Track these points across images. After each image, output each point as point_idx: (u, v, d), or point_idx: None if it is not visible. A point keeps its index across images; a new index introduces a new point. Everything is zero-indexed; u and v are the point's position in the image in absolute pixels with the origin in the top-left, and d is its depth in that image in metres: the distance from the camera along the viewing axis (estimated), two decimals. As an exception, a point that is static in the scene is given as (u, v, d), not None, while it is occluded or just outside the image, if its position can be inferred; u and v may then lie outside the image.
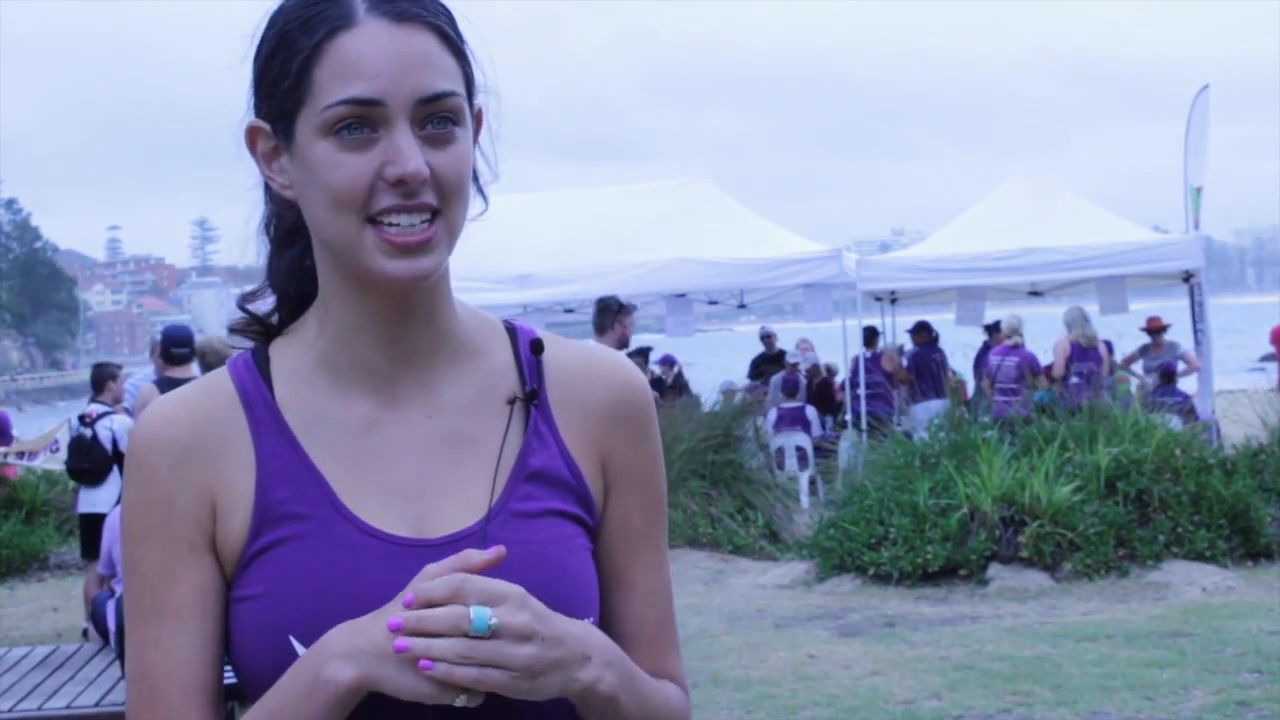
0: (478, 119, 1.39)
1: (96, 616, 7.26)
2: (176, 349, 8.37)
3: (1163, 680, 7.08)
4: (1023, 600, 9.45)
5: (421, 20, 1.31)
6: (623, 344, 8.61)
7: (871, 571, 10.06)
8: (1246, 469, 10.85)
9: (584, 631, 1.30)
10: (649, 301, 16.46)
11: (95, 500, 9.23)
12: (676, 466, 11.58)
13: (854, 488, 11.35)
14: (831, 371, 18.12)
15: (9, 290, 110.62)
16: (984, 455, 10.41)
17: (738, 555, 11.54)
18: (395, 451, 1.38)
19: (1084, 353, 13.36)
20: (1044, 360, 14.20)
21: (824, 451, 14.67)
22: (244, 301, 1.46)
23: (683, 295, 14.78)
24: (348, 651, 1.22)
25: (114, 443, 9.24)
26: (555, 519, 1.38)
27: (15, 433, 15.89)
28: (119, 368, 10.26)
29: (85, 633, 9.02)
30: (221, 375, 1.41)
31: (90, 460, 9.25)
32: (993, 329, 15.61)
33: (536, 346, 1.44)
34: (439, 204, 1.30)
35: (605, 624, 1.43)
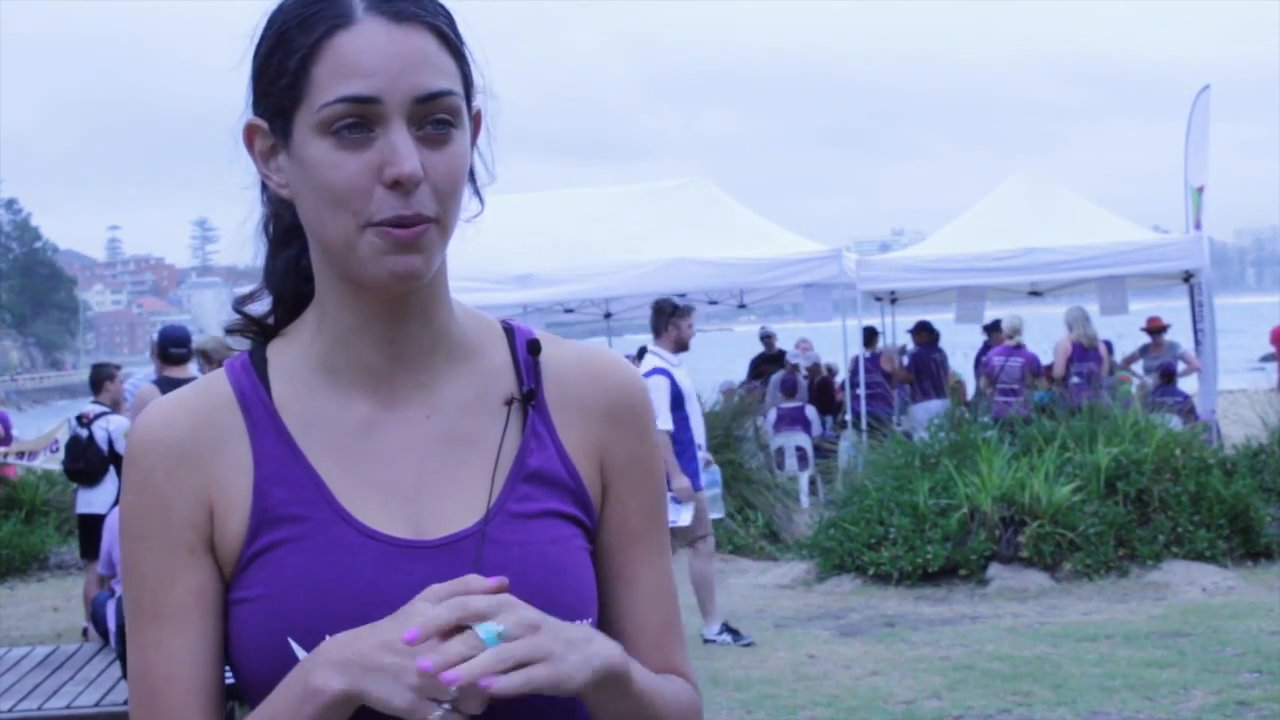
0: (476, 121, 1.38)
1: (96, 616, 7.25)
2: (174, 349, 8.37)
3: (1163, 680, 7.08)
4: (1023, 600, 9.45)
5: (420, 20, 1.31)
6: (680, 346, 8.54)
7: (871, 571, 10.07)
8: (1246, 469, 10.86)
9: (579, 626, 1.31)
10: (649, 301, 16.43)
11: (92, 501, 9.23)
12: (676, 466, 11.57)
13: (854, 488, 11.36)
14: (832, 371, 18.12)
15: (9, 290, 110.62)
16: (984, 455, 10.42)
17: (738, 555, 11.55)
18: (393, 452, 1.37)
19: (1085, 353, 13.36)
20: (1044, 360, 14.21)
21: (824, 451, 14.67)
22: (241, 303, 1.46)
23: (683, 295, 14.76)
24: (337, 660, 1.22)
25: (110, 443, 9.24)
26: (553, 519, 1.38)
27: (15, 433, 15.90)
28: (117, 368, 10.25)
29: (85, 632, 9.02)
30: (219, 377, 1.41)
31: (86, 461, 9.25)
32: (991, 329, 15.61)
33: (534, 347, 1.44)
34: (434, 209, 1.29)
35: (608, 624, 1.43)
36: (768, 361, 18.17)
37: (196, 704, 1.34)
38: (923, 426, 13.41)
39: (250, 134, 1.37)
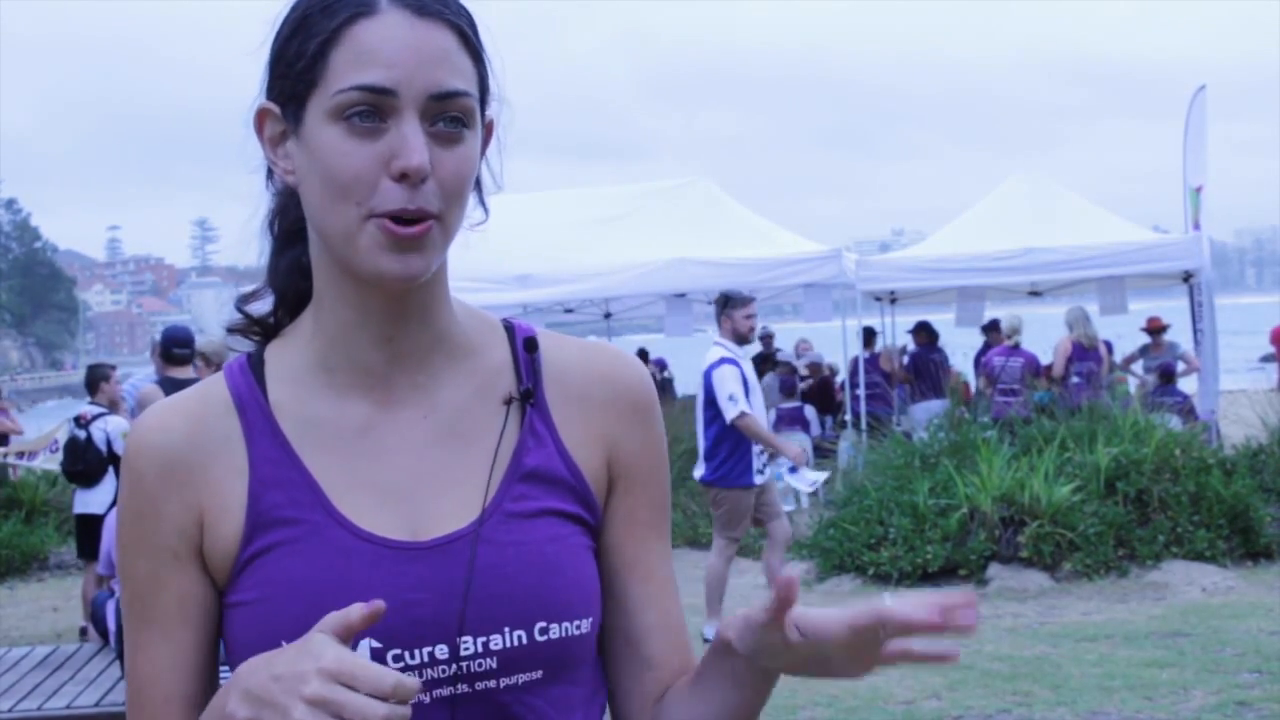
0: (488, 129, 1.38)
1: (96, 616, 7.26)
2: (177, 349, 8.37)
3: (1163, 680, 7.08)
4: (1023, 600, 9.45)
5: (443, 18, 1.31)
6: (739, 338, 8.50)
7: (871, 571, 10.06)
8: (1246, 469, 10.86)
9: None
10: (649, 301, 16.47)
11: (90, 501, 9.23)
12: (676, 466, 11.57)
13: (854, 488, 11.35)
14: (833, 371, 18.14)
15: (9, 290, 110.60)
16: (984, 455, 10.42)
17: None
18: (390, 452, 1.37)
19: (1085, 353, 13.36)
20: (1044, 360, 14.21)
21: (824, 451, 14.67)
22: (243, 302, 1.46)
23: (682, 295, 14.78)
24: (244, 690, 1.19)
25: (109, 444, 9.24)
26: (552, 518, 1.38)
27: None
28: (112, 369, 10.25)
29: (84, 632, 9.02)
30: (217, 380, 1.41)
31: (85, 462, 9.25)
32: (990, 328, 15.61)
33: (530, 344, 1.43)
34: (438, 206, 1.29)
35: (623, 617, 1.42)
36: (764, 361, 18.18)
37: (174, 711, 1.35)
38: (922, 426, 13.41)
39: (261, 118, 1.36)
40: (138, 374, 12.02)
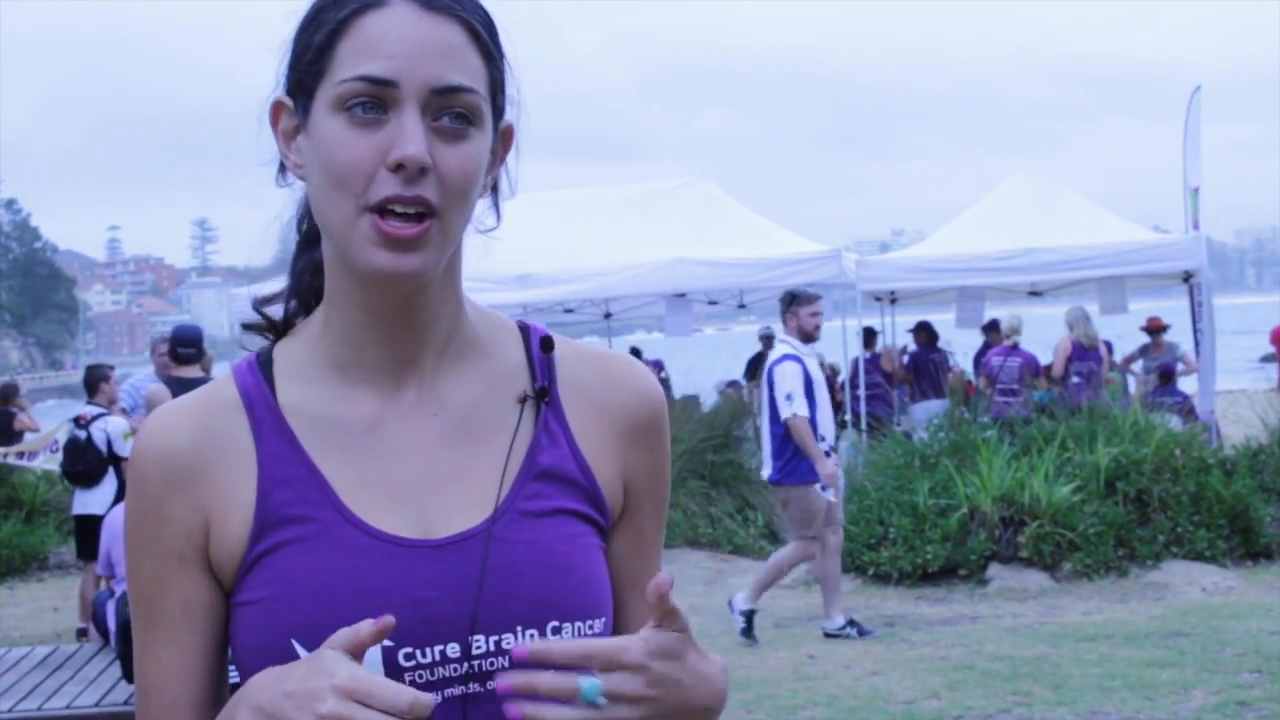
0: (507, 136, 1.38)
1: (97, 616, 7.26)
2: (183, 349, 8.37)
3: (1163, 680, 7.08)
4: (1023, 600, 9.45)
5: (453, 13, 1.30)
6: (804, 336, 8.47)
7: (871, 571, 10.06)
8: (1246, 469, 10.86)
9: (711, 681, 1.29)
10: (649, 301, 16.46)
11: (89, 502, 9.24)
12: (676, 466, 11.58)
13: (854, 488, 11.34)
14: (835, 371, 18.15)
15: (9, 290, 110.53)
16: (984, 455, 10.42)
17: (738, 555, 11.54)
18: (400, 450, 1.36)
19: (1085, 352, 13.36)
20: (1043, 360, 14.21)
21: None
22: (261, 304, 1.45)
23: (682, 295, 14.77)
24: (254, 705, 1.20)
25: (109, 444, 9.25)
26: (564, 518, 1.37)
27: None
28: (111, 369, 10.27)
29: (83, 633, 9.02)
30: (226, 380, 1.40)
31: (85, 462, 9.27)
32: (990, 328, 15.61)
33: (546, 344, 1.43)
34: (438, 201, 1.28)
35: (623, 626, 1.42)
36: (763, 361, 18.19)
37: (184, 713, 1.34)
38: (922, 426, 13.41)
39: (275, 112, 1.36)
40: (137, 374, 12.03)
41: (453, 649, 1.30)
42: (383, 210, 1.27)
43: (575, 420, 1.41)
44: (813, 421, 8.27)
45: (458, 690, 1.31)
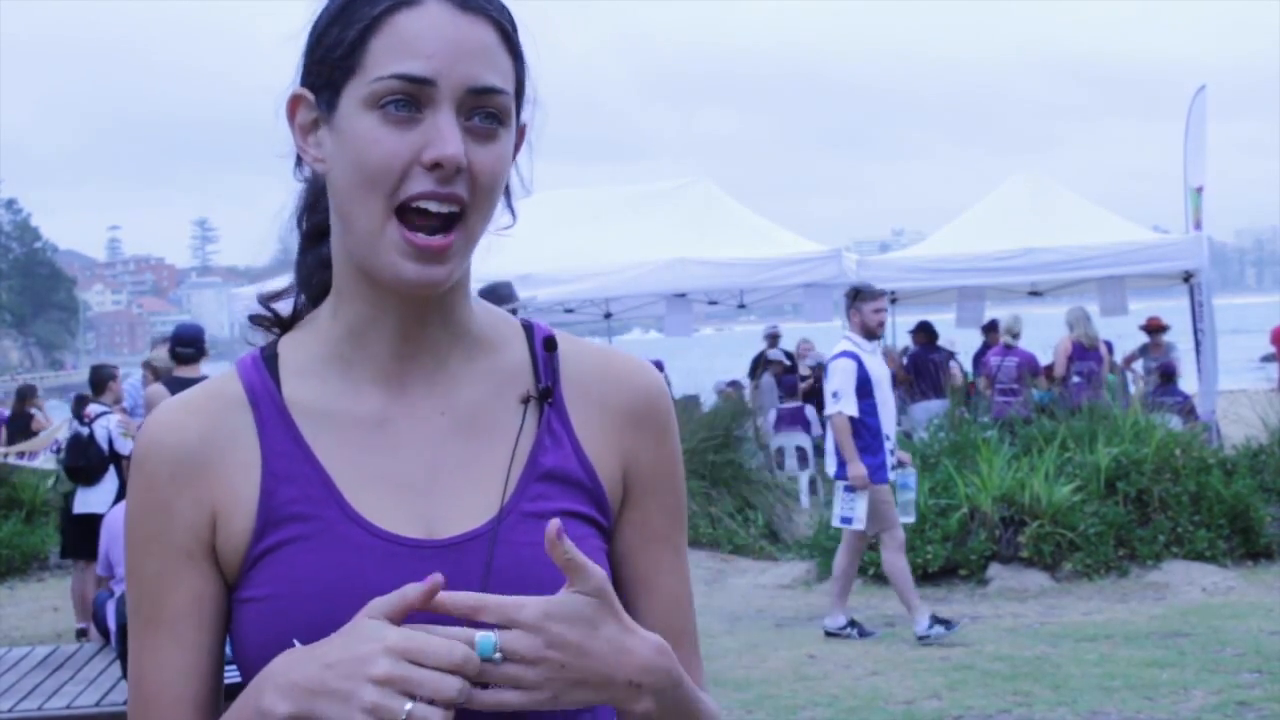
0: (520, 133, 1.37)
1: (97, 616, 7.26)
2: (181, 348, 8.37)
3: (1163, 680, 7.08)
4: (1023, 600, 9.45)
5: (485, 13, 1.30)
6: (867, 332, 8.36)
7: (871, 571, 10.06)
8: (1246, 469, 10.86)
9: (637, 655, 1.25)
10: (649, 301, 16.46)
11: (90, 501, 9.24)
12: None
13: (854, 488, 11.34)
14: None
15: (9, 290, 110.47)
16: (984, 455, 10.42)
17: (738, 555, 11.55)
18: (405, 447, 1.36)
19: (1085, 352, 13.37)
20: (1044, 360, 14.21)
21: (824, 451, 14.64)
22: (268, 300, 1.45)
23: (683, 295, 14.78)
24: (284, 685, 1.19)
25: (110, 441, 9.27)
26: (567, 519, 1.35)
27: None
28: (115, 369, 10.31)
29: (83, 633, 9.02)
30: (230, 376, 1.39)
31: (86, 458, 9.29)
32: (989, 328, 15.62)
33: (549, 344, 1.42)
34: (469, 199, 1.28)
35: None
36: (769, 361, 18.18)
37: (185, 713, 1.33)
38: (922, 426, 13.41)
39: (294, 105, 1.36)
40: (136, 374, 12.05)
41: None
42: (409, 209, 1.27)
43: (578, 419, 1.40)
44: (874, 420, 8.19)
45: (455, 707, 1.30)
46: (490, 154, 1.29)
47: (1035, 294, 17.54)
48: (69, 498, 9.59)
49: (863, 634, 8.45)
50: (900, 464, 8.53)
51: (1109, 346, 14.96)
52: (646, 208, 15.75)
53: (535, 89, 1.38)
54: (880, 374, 8.35)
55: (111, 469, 9.28)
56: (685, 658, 1.42)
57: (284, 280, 1.47)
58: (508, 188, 1.38)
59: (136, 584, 1.36)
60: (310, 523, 1.32)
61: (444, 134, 1.26)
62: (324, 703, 1.17)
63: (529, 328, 1.45)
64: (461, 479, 1.35)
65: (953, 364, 15.67)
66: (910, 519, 8.88)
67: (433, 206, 1.27)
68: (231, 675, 1.37)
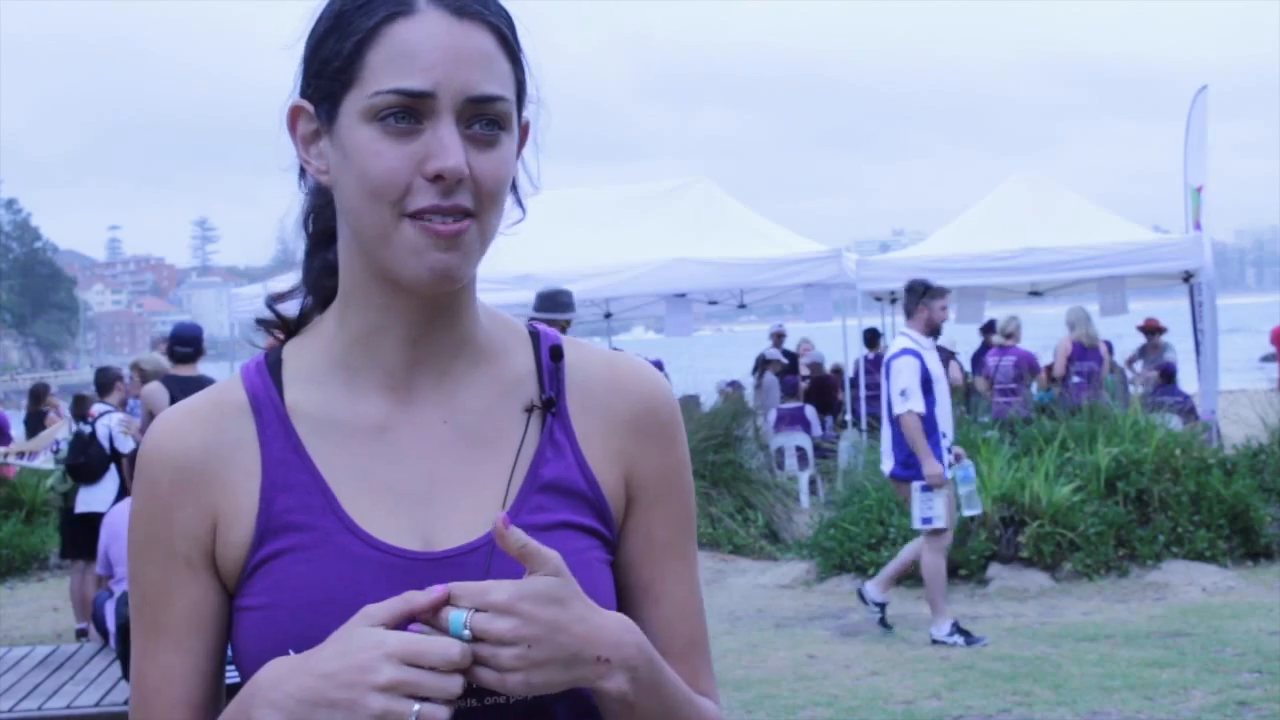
0: (524, 131, 1.37)
1: (97, 616, 7.26)
2: (179, 347, 8.38)
3: (1163, 680, 7.09)
4: (1023, 600, 9.45)
5: (482, 19, 1.29)
6: (931, 329, 8.30)
7: (871, 571, 10.05)
8: (1246, 469, 10.86)
9: (605, 631, 1.24)
10: (649, 301, 16.47)
11: (91, 500, 9.25)
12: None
13: (854, 488, 11.36)
14: (839, 371, 18.16)
15: (9, 290, 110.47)
16: (984, 455, 10.42)
17: (738, 555, 11.55)
18: (406, 455, 1.35)
19: (1085, 352, 13.37)
20: (1044, 360, 14.21)
21: (824, 451, 14.67)
22: (274, 301, 1.44)
23: (683, 295, 14.78)
24: (275, 699, 1.19)
25: (110, 440, 9.28)
26: (568, 531, 1.34)
27: (14, 433, 15.91)
28: (121, 371, 10.34)
29: (83, 633, 9.03)
30: (234, 381, 1.39)
31: (87, 456, 9.31)
32: (987, 329, 15.62)
33: (556, 353, 1.41)
34: (474, 207, 1.28)
35: None
36: (770, 360, 18.19)
37: (186, 716, 1.34)
38: (923, 426, 13.39)
39: (294, 116, 1.35)
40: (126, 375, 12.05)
41: None
42: (418, 219, 1.27)
43: (582, 429, 1.39)
44: (932, 417, 8.14)
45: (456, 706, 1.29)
46: (492, 160, 1.28)
47: (1035, 294, 17.54)
48: (69, 497, 9.59)
49: (970, 641, 8.13)
50: (956, 459, 8.44)
51: (1109, 346, 14.97)
52: (646, 208, 15.76)
53: (537, 88, 1.37)
54: (937, 372, 8.29)
55: (112, 468, 9.30)
56: (696, 668, 1.40)
57: (288, 280, 1.46)
58: (516, 185, 1.37)
59: (138, 589, 1.36)
60: (307, 532, 1.31)
61: (445, 145, 1.25)
62: (324, 714, 1.16)
63: (536, 335, 1.44)
64: (461, 489, 1.34)
65: (953, 364, 15.68)
66: (977, 510, 8.80)
67: (438, 224, 1.27)
68: (232, 676, 1.37)
